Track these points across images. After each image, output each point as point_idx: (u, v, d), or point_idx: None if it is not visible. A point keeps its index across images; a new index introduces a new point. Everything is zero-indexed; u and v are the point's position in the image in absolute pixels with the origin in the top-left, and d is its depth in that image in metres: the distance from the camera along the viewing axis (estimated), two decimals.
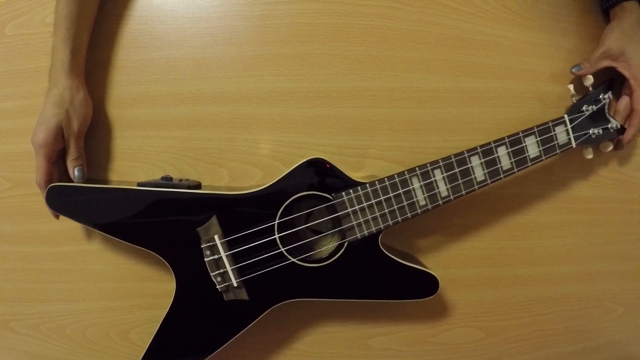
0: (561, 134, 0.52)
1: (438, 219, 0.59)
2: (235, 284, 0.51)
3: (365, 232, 0.51)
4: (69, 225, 0.56)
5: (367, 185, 0.50)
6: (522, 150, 0.51)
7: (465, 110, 0.58)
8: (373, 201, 0.50)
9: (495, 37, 0.57)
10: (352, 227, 0.51)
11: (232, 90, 0.55)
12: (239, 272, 0.51)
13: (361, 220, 0.51)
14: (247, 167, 0.56)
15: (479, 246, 0.61)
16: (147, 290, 0.58)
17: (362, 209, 0.50)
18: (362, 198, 0.50)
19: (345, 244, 0.51)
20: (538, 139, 0.51)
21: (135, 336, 0.58)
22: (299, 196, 0.50)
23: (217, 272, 0.51)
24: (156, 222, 0.50)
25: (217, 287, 0.51)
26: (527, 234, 0.61)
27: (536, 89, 0.58)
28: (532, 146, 0.51)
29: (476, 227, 0.60)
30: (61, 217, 0.56)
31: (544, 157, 0.52)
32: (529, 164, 0.52)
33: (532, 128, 0.51)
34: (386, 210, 0.51)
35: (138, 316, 0.58)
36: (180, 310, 0.52)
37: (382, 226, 0.51)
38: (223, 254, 0.50)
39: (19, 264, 0.57)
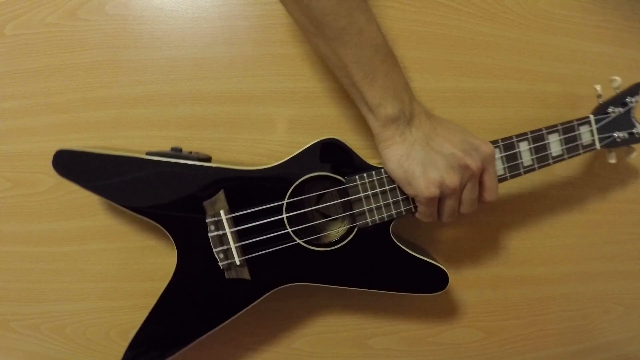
0: (585, 134, 0.51)
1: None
2: (238, 262, 0.50)
3: (377, 218, 0.50)
4: (69, 226, 0.56)
5: (382, 170, 0.49)
6: (545, 148, 0.50)
7: (465, 110, 0.58)
8: (387, 187, 0.49)
9: (495, 37, 0.57)
10: (363, 213, 0.50)
11: (232, 90, 0.55)
12: (243, 250, 0.50)
13: (373, 206, 0.49)
14: None
15: (479, 246, 0.61)
16: (147, 290, 0.58)
17: (375, 195, 0.49)
18: (376, 183, 0.49)
19: (355, 229, 0.50)
20: (561, 137, 0.50)
21: None
22: (311, 177, 0.49)
23: (221, 248, 0.50)
24: (162, 192, 0.49)
25: (220, 263, 0.50)
26: (527, 234, 0.61)
27: (536, 89, 0.58)
28: (555, 144, 0.50)
29: (476, 227, 0.60)
30: (61, 216, 0.56)
31: (566, 157, 0.51)
32: (551, 161, 0.50)
33: (556, 125, 0.50)
34: (400, 198, 0.49)
35: (138, 316, 0.58)
36: (180, 285, 0.51)
37: (394, 213, 0.50)
38: (228, 230, 0.49)
39: (19, 264, 0.57)
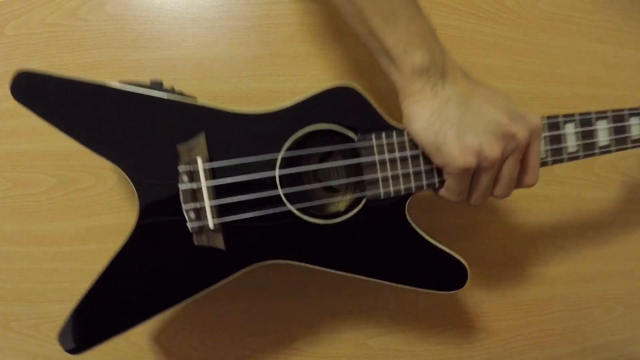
0: (635, 127, 0.45)
1: (437, 219, 0.59)
2: (211, 226, 0.40)
3: (391, 190, 0.40)
4: (69, 226, 0.56)
5: (405, 132, 0.40)
6: (592, 134, 0.43)
7: None
8: (408, 153, 0.40)
9: (495, 37, 0.57)
10: (375, 182, 0.40)
11: (232, 90, 0.55)
12: (219, 212, 0.41)
13: (389, 174, 0.40)
14: None
15: (479, 246, 0.61)
16: None
17: (393, 161, 0.40)
18: (396, 147, 0.40)
19: (363, 201, 0.41)
20: (611, 125, 0.44)
21: (135, 336, 0.58)
22: (316, 130, 0.40)
23: (192, 206, 0.40)
24: (130, 130, 0.40)
25: (188, 224, 0.41)
26: (528, 234, 0.61)
27: (536, 89, 0.58)
28: (603, 132, 0.43)
29: (476, 227, 0.60)
30: (61, 216, 0.56)
31: (613, 149, 0.44)
32: (597, 151, 0.44)
33: (606, 111, 0.44)
34: (422, 169, 0.40)
35: None
36: (136, 248, 0.42)
37: (413, 186, 0.40)
38: (203, 184, 0.40)
39: (19, 264, 0.57)
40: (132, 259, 0.42)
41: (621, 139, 0.45)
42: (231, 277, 0.42)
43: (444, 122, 0.36)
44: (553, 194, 0.61)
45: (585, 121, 0.43)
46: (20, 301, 0.58)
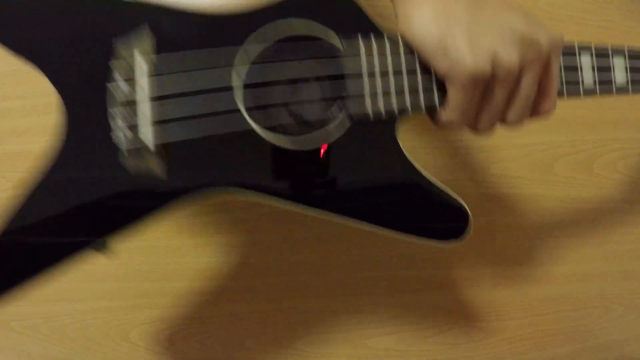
0: None
1: None
2: (151, 147, 0.32)
3: (382, 109, 0.33)
4: None
5: (400, 39, 0.33)
6: (608, 71, 0.38)
7: None
8: (404, 66, 0.33)
9: None
10: (361, 97, 0.33)
11: None
12: (161, 129, 0.32)
13: (379, 89, 0.33)
14: None
15: (479, 246, 0.61)
16: (147, 290, 0.57)
17: (385, 74, 0.33)
18: (389, 55, 0.33)
19: (345, 120, 0.33)
20: (627, 63, 0.39)
21: (135, 336, 0.58)
22: (290, 36, 0.33)
23: (127, 120, 0.32)
24: (61, 32, 0.33)
25: (122, 144, 0.32)
26: (527, 234, 0.61)
27: None
28: (619, 71, 0.39)
29: (475, 228, 0.60)
30: None
31: (630, 91, 0.39)
32: (614, 90, 0.39)
33: (623, 47, 0.39)
34: (420, 85, 0.33)
35: (138, 316, 0.58)
36: (57, 171, 0.34)
37: (408, 106, 0.33)
38: (144, 91, 0.32)
39: None
40: (51, 186, 0.34)
41: (638, 82, 0.40)
42: (170, 206, 0.34)
43: (451, 22, 0.30)
44: (553, 194, 0.61)
45: (602, 54, 0.38)
46: (20, 301, 0.57)
